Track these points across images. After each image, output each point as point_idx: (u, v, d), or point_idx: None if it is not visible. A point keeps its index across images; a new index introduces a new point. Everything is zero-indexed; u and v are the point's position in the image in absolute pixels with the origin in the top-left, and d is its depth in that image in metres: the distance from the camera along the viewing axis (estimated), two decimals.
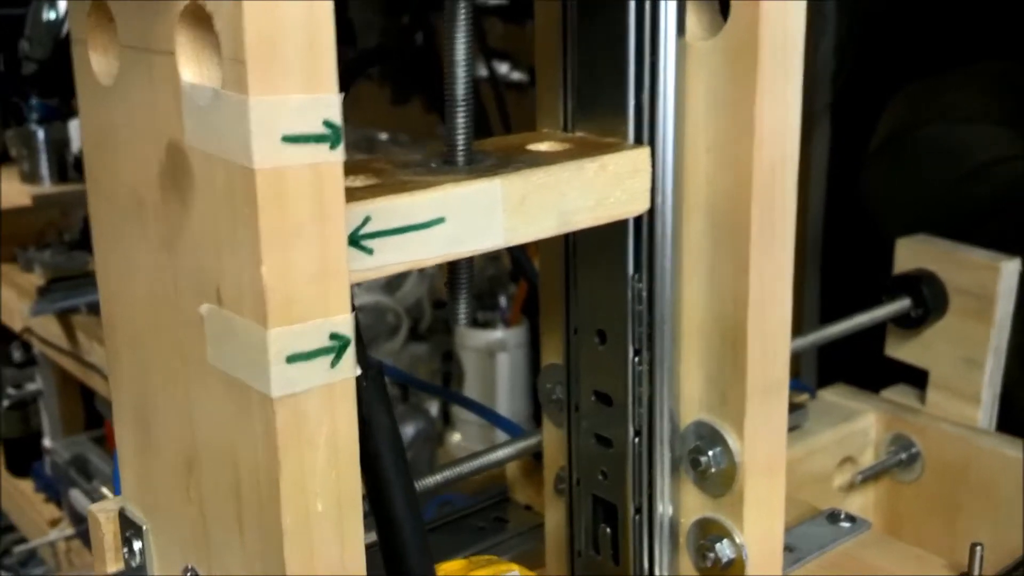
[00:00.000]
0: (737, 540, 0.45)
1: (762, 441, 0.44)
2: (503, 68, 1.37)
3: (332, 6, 0.30)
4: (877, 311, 0.67)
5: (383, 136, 1.56)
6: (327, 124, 0.31)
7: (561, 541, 0.51)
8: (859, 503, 0.69)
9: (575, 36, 0.45)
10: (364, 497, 0.40)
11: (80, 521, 1.37)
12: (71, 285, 1.31)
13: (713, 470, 0.45)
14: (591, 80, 0.45)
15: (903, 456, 0.68)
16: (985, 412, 0.67)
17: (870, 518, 0.70)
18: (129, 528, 0.41)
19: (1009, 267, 0.65)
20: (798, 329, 0.52)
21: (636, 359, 0.46)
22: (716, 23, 0.42)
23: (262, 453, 0.32)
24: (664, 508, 0.47)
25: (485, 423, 1.34)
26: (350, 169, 0.38)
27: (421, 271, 1.65)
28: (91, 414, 1.48)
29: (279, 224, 0.31)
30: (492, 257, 1.35)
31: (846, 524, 0.55)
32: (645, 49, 0.43)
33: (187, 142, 0.32)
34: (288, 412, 0.32)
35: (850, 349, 0.73)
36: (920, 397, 0.70)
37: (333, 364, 0.32)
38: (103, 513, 0.42)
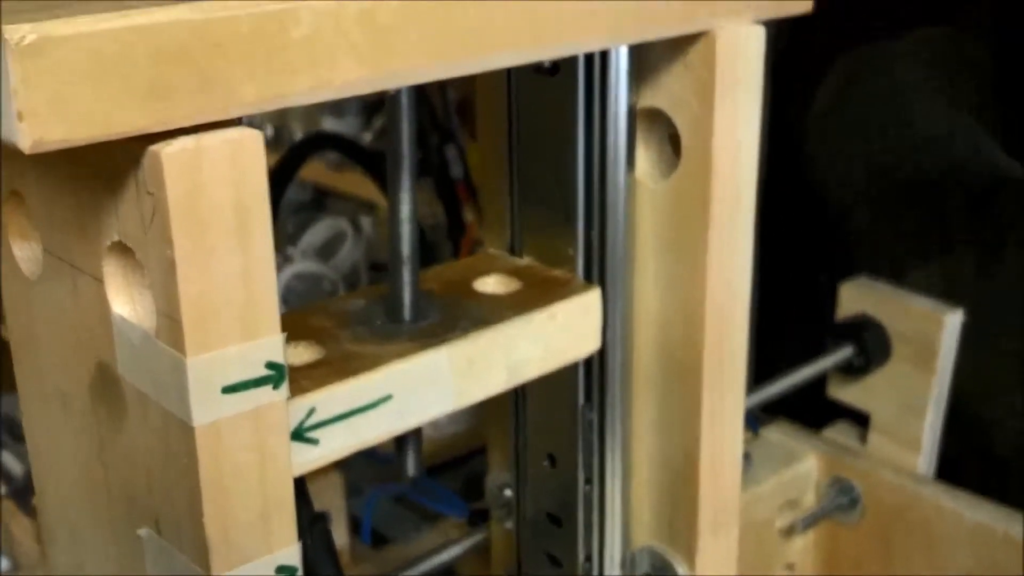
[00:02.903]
0: None
1: (713, 572, 0.44)
2: None
3: (271, 253, 0.28)
4: (820, 362, 0.67)
5: None
6: (269, 366, 0.29)
7: None
8: (800, 544, 0.70)
9: (521, 162, 0.43)
10: None
11: (11, 482, 1.35)
12: None
13: None
14: (538, 205, 0.43)
15: (844, 500, 0.68)
16: (925, 458, 0.68)
17: (810, 558, 0.71)
18: None
19: (952, 318, 0.65)
20: None
21: (587, 486, 0.45)
22: (667, 161, 0.41)
23: None
24: None
25: None
26: (289, 331, 0.36)
27: (357, 231, 1.62)
28: None
29: (219, 474, 0.29)
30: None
31: None
32: (594, 185, 0.41)
33: (120, 372, 0.30)
34: None
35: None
36: (861, 436, 0.71)
37: None
38: None
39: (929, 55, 1.14)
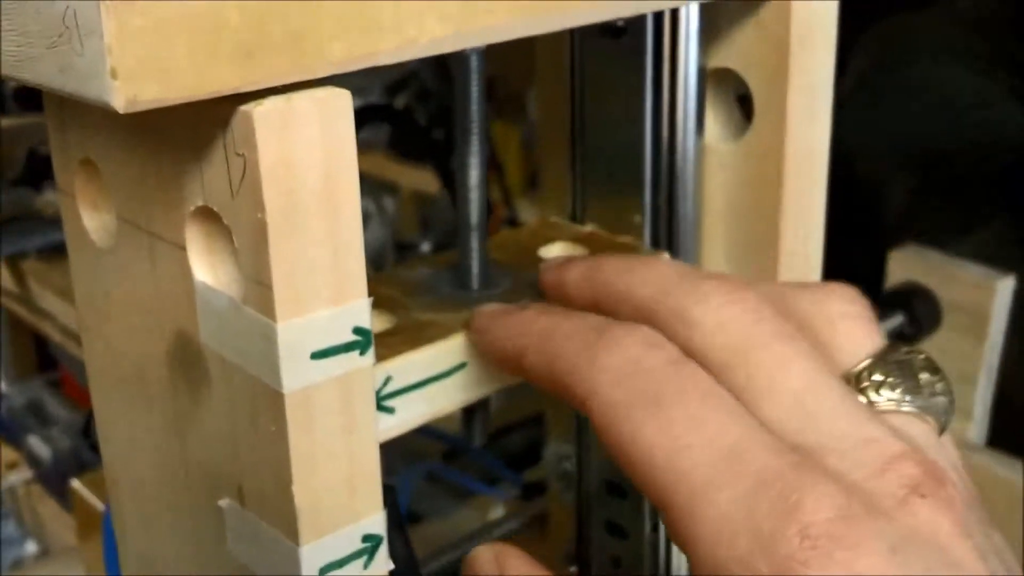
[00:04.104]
0: None
1: None
2: None
3: (359, 214, 0.28)
4: None
5: None
6: (357, 331, 0.29)
7: None
8: None
9: (584, 128, 0.42)
10: None
11: (39, 466, 1.36)
12: (18, 228, 1.26)
13: None
14: (602, 172, 0.43)
15: None
16: (977, 427, 0.67)
17: None
18: None
19: (1004, 285, 0.65)
20: None
21: None
22: (736, 123, 0.40)
23: None
24: None
25: None
26: None
27: (381, 212, 1.62)
28: (43, 359, 1.45)
29: (308, 441, 0.29)
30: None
31: None
32: (662, 150, 0.40)
33: (203, 340, 0.30)
34: None
35: None
36: None
37: (366, 565, 0.31)
38: None
39: (962, 16, 1.12)
